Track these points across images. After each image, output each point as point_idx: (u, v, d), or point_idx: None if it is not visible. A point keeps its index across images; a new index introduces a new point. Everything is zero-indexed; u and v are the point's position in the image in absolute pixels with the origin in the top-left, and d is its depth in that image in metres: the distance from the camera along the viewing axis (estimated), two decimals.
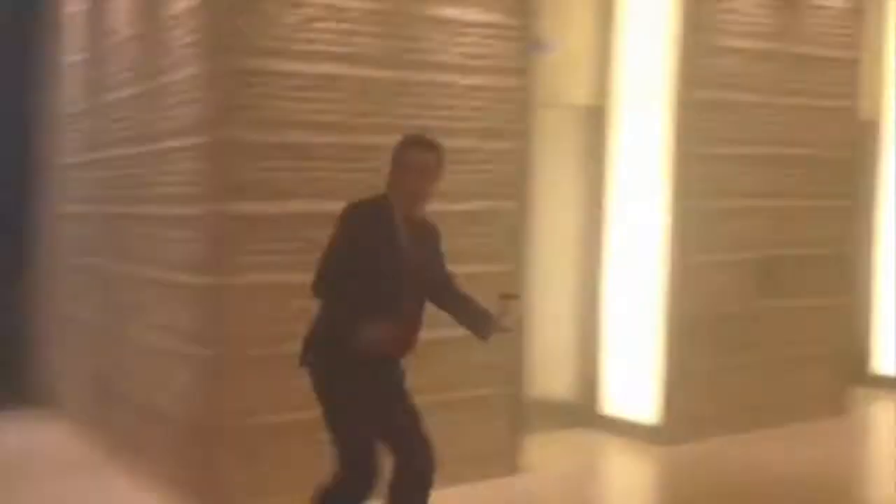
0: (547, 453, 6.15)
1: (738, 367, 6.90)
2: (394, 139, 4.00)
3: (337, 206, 5.08)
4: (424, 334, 5.26)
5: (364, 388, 3.70)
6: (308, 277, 5.32)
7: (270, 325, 4.93)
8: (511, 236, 5.77)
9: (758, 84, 6.86)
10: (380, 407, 3.77)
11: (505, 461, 5.78)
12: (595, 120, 6.85)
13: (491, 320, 3.90)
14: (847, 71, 7.38)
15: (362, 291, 3.63)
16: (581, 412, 6.92)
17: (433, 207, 5.45)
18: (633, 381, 6.75)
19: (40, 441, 6.51)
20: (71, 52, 7.14)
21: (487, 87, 5.58)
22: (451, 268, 5.17)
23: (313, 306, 3.84)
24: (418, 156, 3.82)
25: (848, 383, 7.61)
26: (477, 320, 3.95)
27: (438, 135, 5.45)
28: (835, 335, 7.47)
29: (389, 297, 3.69)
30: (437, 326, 5.46)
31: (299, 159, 4.97)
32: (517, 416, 5.85)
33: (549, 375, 6.77)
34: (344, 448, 3.72)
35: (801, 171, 7.17)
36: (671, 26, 6.50)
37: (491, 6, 5.57)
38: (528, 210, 5.91)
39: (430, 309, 3.99)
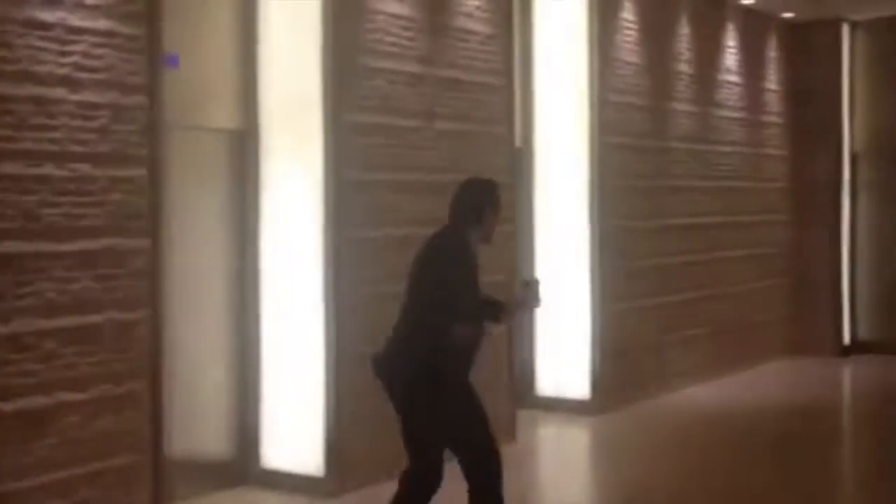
0: None
1: None
2: None
3: None
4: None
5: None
6: None
7: None
8: (143, 279, 5.04)
9: (411, 108, 6.62)
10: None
11: None
12: (242, 145, 6.24)
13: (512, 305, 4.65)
14: (498, 97, 7.37)
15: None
16: (238, 469, 6.23)
17: (36, 249, 4.63)
18: (296, 430, 6.18)
19: None
20: None
21: (103, 105, 4.81)
22: (68, 320, 4.79)
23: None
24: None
25: (516, 407, 7.59)
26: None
27: (42, 159, 4.64)
28: (503, 360, 7.40)
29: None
30: (53, 391, 4.62)
31: None
32: (158, 484, 5.09)
33: (197, 432, 6.01)
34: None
35: None
36: (316, 44, 6.06)
37: (104, 12, 4.80)
38: (164, 247, 5.19)
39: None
